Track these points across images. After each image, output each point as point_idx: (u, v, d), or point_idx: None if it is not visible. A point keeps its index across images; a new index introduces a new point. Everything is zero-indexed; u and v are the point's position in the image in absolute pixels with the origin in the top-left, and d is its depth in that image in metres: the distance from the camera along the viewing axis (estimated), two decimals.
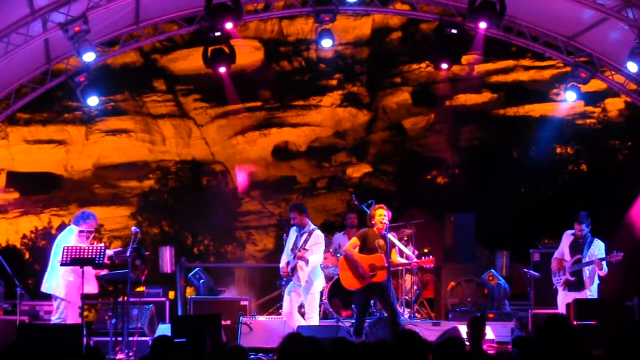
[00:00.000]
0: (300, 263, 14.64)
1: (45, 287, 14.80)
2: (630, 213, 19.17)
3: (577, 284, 15.04)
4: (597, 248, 14.91)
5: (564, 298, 15.08)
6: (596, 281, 15.04)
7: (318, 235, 14.86)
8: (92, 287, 14.73)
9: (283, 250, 15.41)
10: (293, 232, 15.10)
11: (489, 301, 17.64)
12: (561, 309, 15.04)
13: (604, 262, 14.68)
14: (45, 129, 25.59)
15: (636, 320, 16.10)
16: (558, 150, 25.20)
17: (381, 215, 14.09)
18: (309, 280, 14.71)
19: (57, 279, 14.59)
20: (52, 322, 14.75)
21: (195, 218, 24.32)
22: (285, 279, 15.21)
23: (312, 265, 14.66)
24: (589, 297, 14.89)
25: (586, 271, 14.93)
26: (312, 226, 15.00)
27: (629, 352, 6.60)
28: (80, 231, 14.86)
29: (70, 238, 14.75)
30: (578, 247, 15.07)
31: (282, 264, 14.99)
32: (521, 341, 8.20)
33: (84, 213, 15.23)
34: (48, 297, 15.18)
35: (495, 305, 17.45)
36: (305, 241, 14.67)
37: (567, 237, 15.31)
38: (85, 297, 14.40)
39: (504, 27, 18.22)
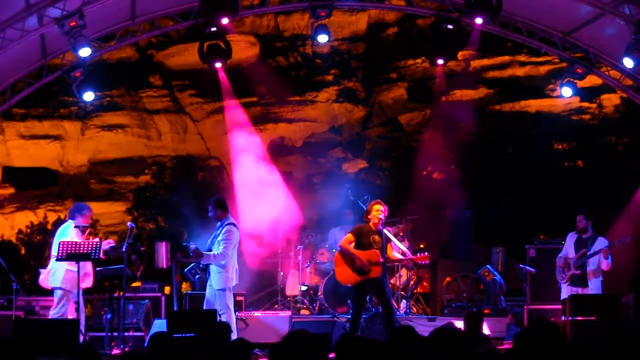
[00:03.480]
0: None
1: (48, 282, 14.77)
2: (626, 209, 19.18)
3: (581, 278, 15.11)
4: (602, 244, 15.01)
5: (568, 294, 15.12)
6: (599, 277, 15.12)
7: (227, 230, 14.43)
8: (87, 282, 14.73)
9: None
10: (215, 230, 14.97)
11: (485, 297, 17.66)
12: None
13: (609, 251, 14.79)
14: (41, 124, 25.59)
15: (632, 316, 16.11)
16: (554, 146, 25.20)
17: (378, 210, 14.05)
18: (214, 276, 14.52)
19: (59, 272, 14.56)
20: (50, 316, 14.73)
21: (191, 213, 24.29)
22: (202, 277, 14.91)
23: (214, 259, 14.41)
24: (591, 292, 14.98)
25: (591, 264, 15.02)
26: (229, 220, 14.70)
27: (623, 349, 6.60)
28: (77, 227, 14.85)
29: (68, 235, 14.71)
30: (583, 243, 15.20)
31: None
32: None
33: (77, 206, 15.19)
34: (44, 292, 15.17)
35: (490, 301, 17.47)
36: (216, 236, 14.54)
37: (571, 237, 15.48)
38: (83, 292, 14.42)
39: (500, 23, 18.22)
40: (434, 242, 18.87)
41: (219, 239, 14.35)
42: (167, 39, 26.29)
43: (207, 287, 14.67)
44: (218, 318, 14.22)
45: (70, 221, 15.01)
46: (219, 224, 14.64)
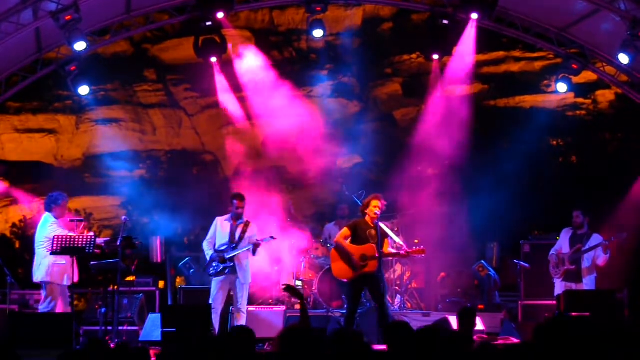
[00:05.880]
0: (241, 256, 14.74)
1: (35, 277, 14.77)
2: (621, 205, 19.20)
3: (575, 274, 15.14)
4: (597, 241, 15.04)
5: (562, 290, 15.15)
6: (594, 273, 15.14)
7: (254, 225, 15.24)
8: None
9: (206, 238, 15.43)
10: (226, 222, 15.10)
11: (479, 292, 17.68)
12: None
13: (608, 247, 14.82)
14: (35, 118, 25.49)
15: (626, 312, 16.12)
16: (548, 141, 25.17)
17: (376, 206, 14.10)
18: (246, 271, 14.84)
19: (46, 266, 14.54)
20: (40, 311, 14.73)
21: (185, 208, 24.27)
22: (219, 268, 15.02)
23: (252, 257, 14.87)
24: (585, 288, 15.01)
25: (586, 260, 15.03)
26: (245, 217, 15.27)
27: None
28: (71, 220, 14.86)
29: (49, 228, 14.66)
30: (578, 239, 15.22)
31: (211, 252, 14.99)
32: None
33: (51, 196, 15.10)
34: (38, 286, 15.16)
35: (485, 296, 17.49)
36: (244, 232, 14.80)
37: (566, 232, 15.50)
38: (73, 286, 14.43)
39: (496, 18, 18.23)
40: (428, 237, 18.86)
41: (253, 232, 14.83)
42: (162, 33, 26.18)
43: (231, 279, 14.86)
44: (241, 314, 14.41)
45: (47, 214, 14.93)
46: (230, 218, 15.29)
